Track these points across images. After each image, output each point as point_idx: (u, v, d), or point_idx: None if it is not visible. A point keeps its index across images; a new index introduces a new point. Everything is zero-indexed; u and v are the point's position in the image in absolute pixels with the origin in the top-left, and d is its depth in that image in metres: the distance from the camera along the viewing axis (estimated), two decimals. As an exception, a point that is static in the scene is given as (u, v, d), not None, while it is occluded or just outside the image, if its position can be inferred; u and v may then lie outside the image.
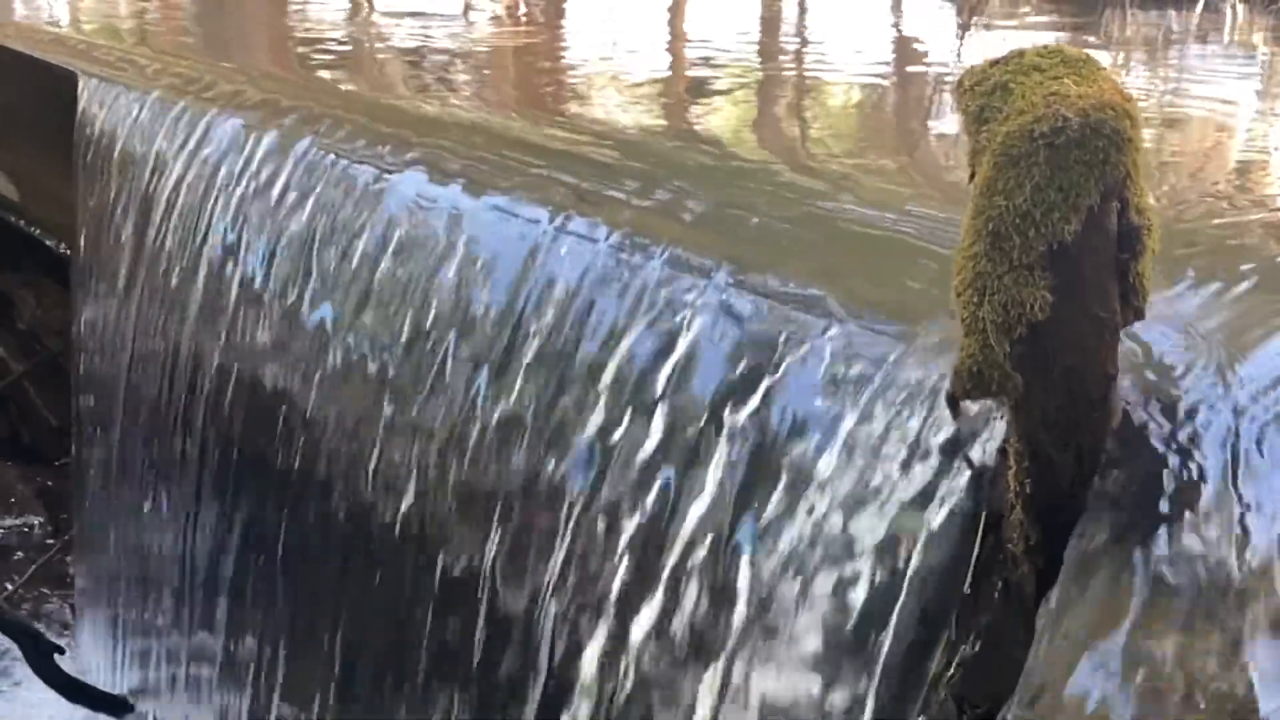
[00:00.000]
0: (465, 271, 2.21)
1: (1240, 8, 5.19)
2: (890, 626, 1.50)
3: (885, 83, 3.91)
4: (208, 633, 2.87)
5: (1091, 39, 4.55)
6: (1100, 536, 1.25)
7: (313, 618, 2.53)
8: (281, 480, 2.57)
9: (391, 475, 2.28)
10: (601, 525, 1.86)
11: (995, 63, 1.26)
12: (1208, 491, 1.26)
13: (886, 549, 1.51)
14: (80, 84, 3.42)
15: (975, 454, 1.47)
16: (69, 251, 3.58)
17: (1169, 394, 1.36)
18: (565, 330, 2.00)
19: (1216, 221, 2.20)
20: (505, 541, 2.04)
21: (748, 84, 3.80)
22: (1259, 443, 1.30)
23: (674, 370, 1.83)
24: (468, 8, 5.29)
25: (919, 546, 1.49)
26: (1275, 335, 1.47)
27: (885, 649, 1.50)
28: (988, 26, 4.77)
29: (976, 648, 1.43)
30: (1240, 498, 1.25)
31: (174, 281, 2.94)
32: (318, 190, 2.57)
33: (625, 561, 1.82)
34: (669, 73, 4.01)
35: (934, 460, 1.49)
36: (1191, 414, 1.33)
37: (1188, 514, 1.24)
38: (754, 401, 1.70)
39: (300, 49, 4.38)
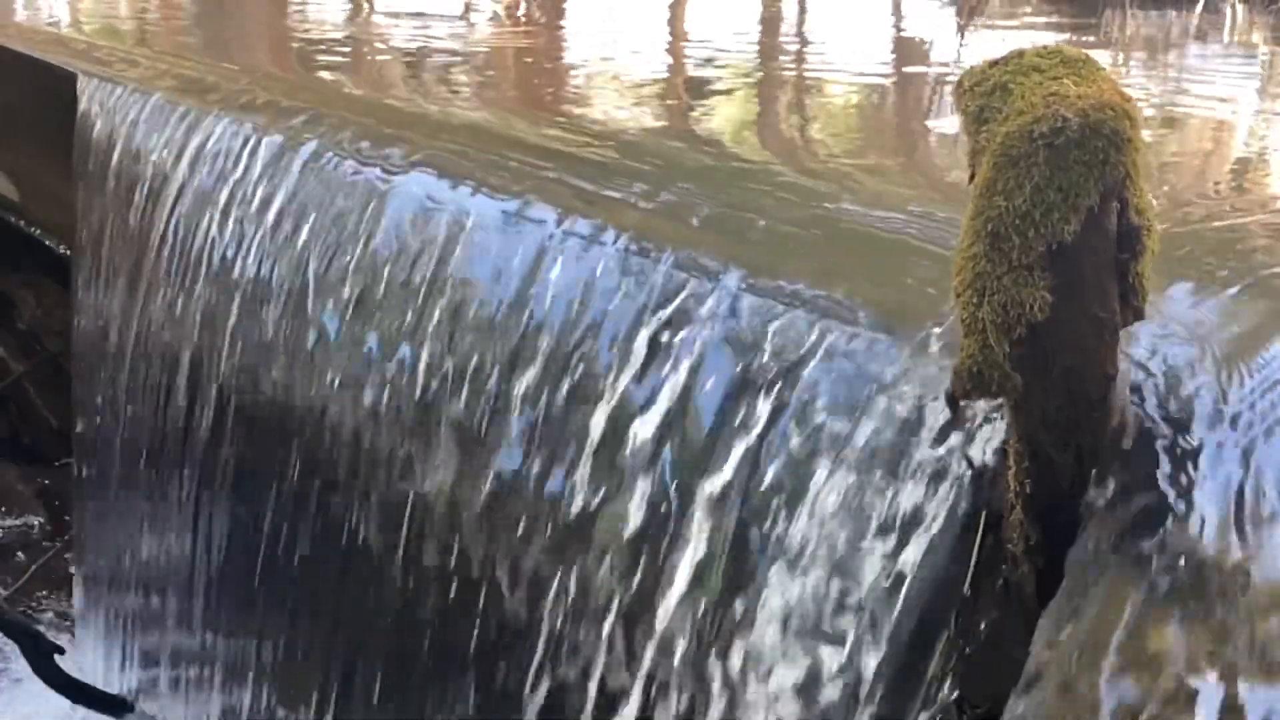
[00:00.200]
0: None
1: (1240, 8, 5.19)
2: (890, 626, 1.50)
3: (885, 83, 3.92)
4: (208, 632, 2.87)
5: (1091, 39, 4.55)
6: (1100, 537, 1.25)
7: (313, 617, 2.53)
8: (283, 479, 2.56)
9: (393, 476, 2.29)
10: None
11: (995, 63, 1.26)
12: (1208, 491, 1.26)
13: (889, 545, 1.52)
14: (80, 84, 3.42)
15: (975, 454, 1.47)
16: (69, 251, 3.58)
17: (1169, 394, 1.36)
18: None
19: (1215, 224, 2.20)
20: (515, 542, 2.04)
21: (748, 85, 3.80)
22: (1259, 443, 1.30)
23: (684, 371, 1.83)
24: (468, 8, 5.30)
25: (919, 546, 1.49)
26: (1275, 336, 1.47)
27: (885, 648, 1.50)
28: (988, 27, 4.77)
29: (976, 648, 1.43)
30: (1241, 497, 1.25)
31: (175, 281, 2.93)
32: (319, 190, 2.57)
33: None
34: (669, 73, 4.01)
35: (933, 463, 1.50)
36: (1191, 414, 1.33)
37: (1188, 514, 1.24)
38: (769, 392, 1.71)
39: (300, 49, 4.38)
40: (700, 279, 1.87)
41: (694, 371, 1.81)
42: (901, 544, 1.51)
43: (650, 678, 1.78)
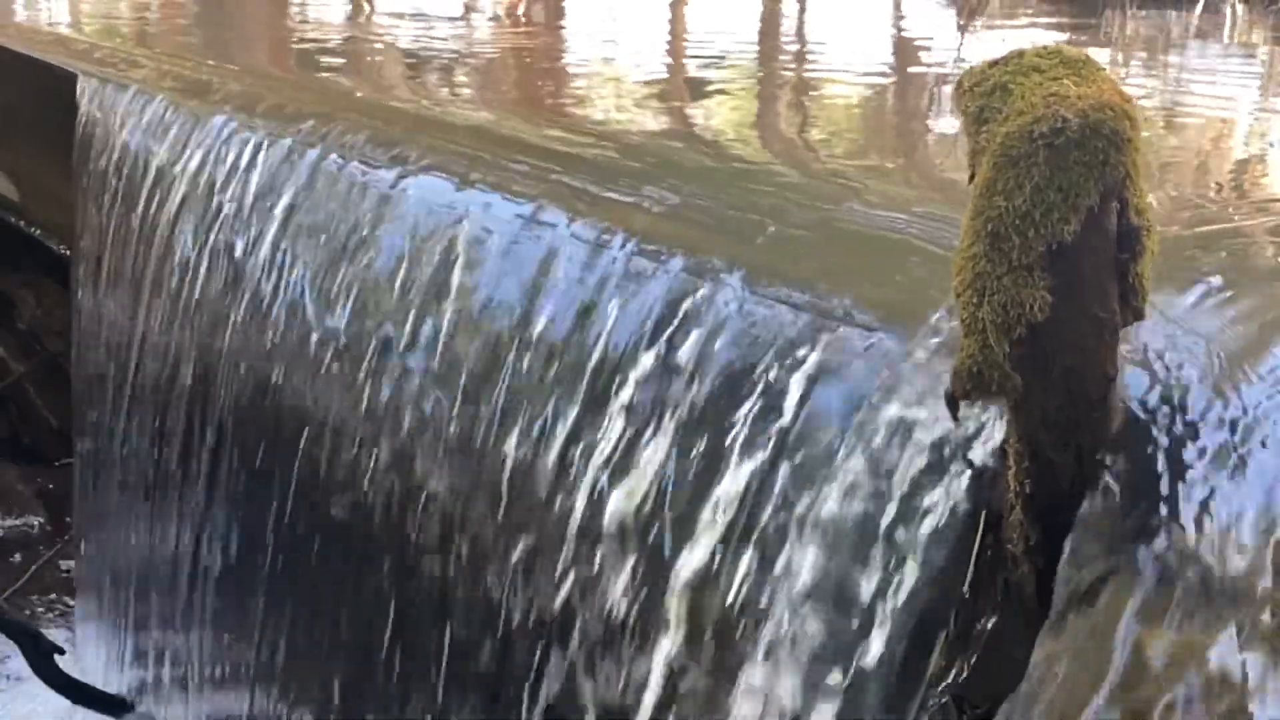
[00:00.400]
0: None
1: (1240, 8, 5.20)
2: (890, 626, 1.50)
3: (886, 83, 3.92)
4: (208, 632, 2.87)
5: (1091, 39, 4.55)
6: (1100, 538, 1.25)
7: (313, 617, 2.53)
8: (285, 480, 2.56)
9: (395, 476, 2.29)
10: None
11: (995, 63, 1.26)
12: (1208, 492, 1.26)
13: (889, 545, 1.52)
14: (80, 84, 3.42)
15: (975, 454, 1.47)
16: (69, 251, 3.59)
17: (1169, 395, 1.36)
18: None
19: (1216, 225, 2.20)
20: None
21: (749, 85, 3.80)
22: (1258, 443, 1.30)
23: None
24: (468, 9, 5.30)
25: (919, 546, 1.49)
26: (1275, 337, 1.47)
27: (885, 648, 1.50)
28: (988, 27, 4.78)
29: (977, 648, 1.43)
30: (1240, 498, 1.25)
31: (175, 281, 2.93)
32: (320, 190, 2.57)
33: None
34: (669, 74, 4.01)
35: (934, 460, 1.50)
36: (1191, 415, 1.33)
37: (1187, 514, 1.24)
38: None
39: (301, 50, 4.38)
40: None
41: (699, 373, 1.81)
42: (901, 544, 1.51)
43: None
